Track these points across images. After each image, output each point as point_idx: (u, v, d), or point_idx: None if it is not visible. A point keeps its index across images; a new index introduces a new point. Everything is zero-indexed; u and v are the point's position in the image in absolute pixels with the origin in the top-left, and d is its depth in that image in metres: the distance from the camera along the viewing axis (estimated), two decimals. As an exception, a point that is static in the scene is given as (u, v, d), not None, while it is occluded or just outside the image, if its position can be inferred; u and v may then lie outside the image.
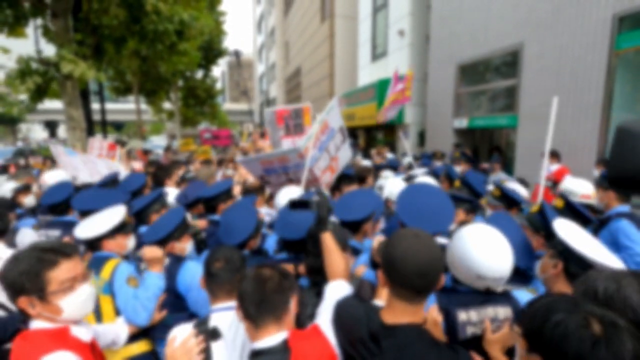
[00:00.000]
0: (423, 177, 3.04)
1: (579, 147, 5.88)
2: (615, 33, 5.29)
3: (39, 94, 6.09)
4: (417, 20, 10.52)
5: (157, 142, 33.97)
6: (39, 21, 6.89)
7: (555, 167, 5.70)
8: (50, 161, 11.64)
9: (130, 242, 2.14)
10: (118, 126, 51.22)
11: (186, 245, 2.22)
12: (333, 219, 2.54)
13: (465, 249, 1.46)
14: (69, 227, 2.87)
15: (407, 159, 6.64)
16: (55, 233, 2.96)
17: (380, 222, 2.48)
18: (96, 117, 8.39)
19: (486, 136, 9.31)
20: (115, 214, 2.09)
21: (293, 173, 2.94)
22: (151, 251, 1.89)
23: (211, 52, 16.36)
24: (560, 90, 6.16)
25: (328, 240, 1.57)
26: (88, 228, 2.02)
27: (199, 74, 18.03)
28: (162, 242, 2.06)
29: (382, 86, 10.87)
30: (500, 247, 1.46)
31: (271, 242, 2.37)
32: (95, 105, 9.50)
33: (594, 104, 5.60)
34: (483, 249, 1.44)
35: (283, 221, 1.94)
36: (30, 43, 8.57)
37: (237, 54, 10.81)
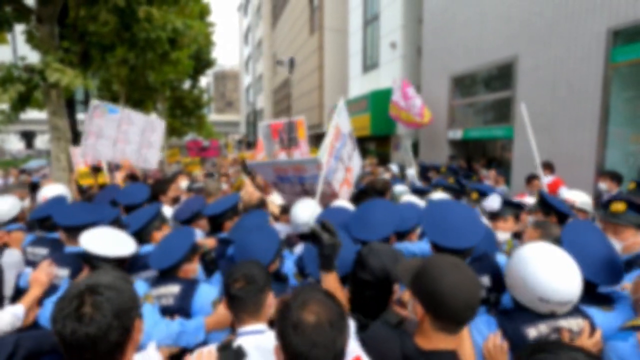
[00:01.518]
0: (438, 194, 2.89)
1: (577, 158, 5.92)
2: (610, 46, 5.39)
3: (22, 103, 5.73)
4: (409, 32, 10.64)
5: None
6: (21, 27, 6.57)
7: (549, 178, 5.63)
8: (23, 173, 11.06)
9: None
10: (100, 137, 49.91)
11: (197, 266, 2.04)
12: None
13: (527, 270, 1.35)
14: (57, 245, 2.61)
15: (411, 172, 6.55)
16: (42, 251, 2.68)
17: (417, 230, 2.33)
18: (81, 127, 8.03)
19: (479, 148, 9.37)
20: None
21: (310, 185, 2.75)
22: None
23: (199, 62, 16.14)
24: (556, 102, 6.24)
25: (332, 282, 1.46)
26: (115, 245, 1.90)
27: (187, 85, 17.73)
28: (174, 267, 1.86)
29: (375, 97, 10.88)
30: (566, 267, 1.35)
31: (290, 265, 2.15)
32: (79, 116, 9.13)
33: (590, 115, 5.66)
34: (546, 269, 1.33)
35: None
36: (9, 49, 8.18)
37: (291, 62, 10.42)
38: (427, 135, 9.86)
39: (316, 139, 17.27)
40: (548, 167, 5.64)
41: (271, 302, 1.44)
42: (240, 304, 1.36)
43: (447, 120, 9.04)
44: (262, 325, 1.37)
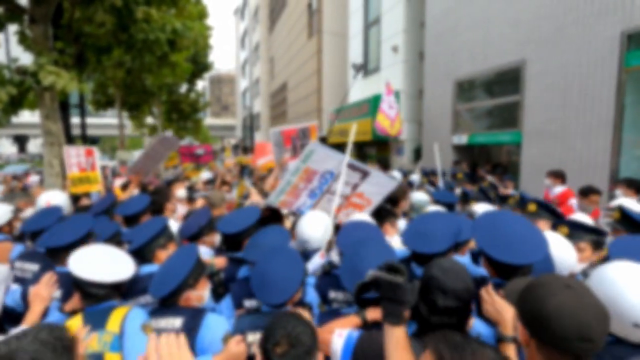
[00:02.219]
0: (482, 206, 2.65)
1: (591, 165, 5.76)
2: (624, 50, 5.26)
3: (13, 106, 5.46)
4: (411, 36, 10.51)
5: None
6: (14, 27, 6.31)
7: (560, 189, 5.37)
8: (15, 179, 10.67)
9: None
10: (93, 141, 49.39)
11: (204, 293, 1.77)
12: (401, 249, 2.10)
13: (616, 293, 1.18)
14: (50, 260, 2.37)
15: (415, 177, 6.36)
16: (32, 267, 2.43)
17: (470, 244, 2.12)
18: (74, 131, 7.75)
19: (484, 153, 9.22)
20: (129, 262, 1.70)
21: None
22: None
23: (197, 65, 15.90)
24: (568, 107, 6.09)
25: (402, 337, 1.16)
26: (109, 267, 1.65)
27: (183, 88, 17.47)
28: (173, 295, 1.63)
29: (376, 102, 10.71)
30: None
31: (313, 295, 1.88)
32: (74, 120, 8.84)
33: (605, 121, 5.52)
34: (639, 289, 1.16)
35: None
36: (1, 51, 7.90)
37: (359, 67, 10.16)
38: (430, 140, 9.69)
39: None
40: (558, 176, 5.30)
41: None
42: None
43: (451, 125, 8.89)
44: None
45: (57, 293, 1.92)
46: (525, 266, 1.52)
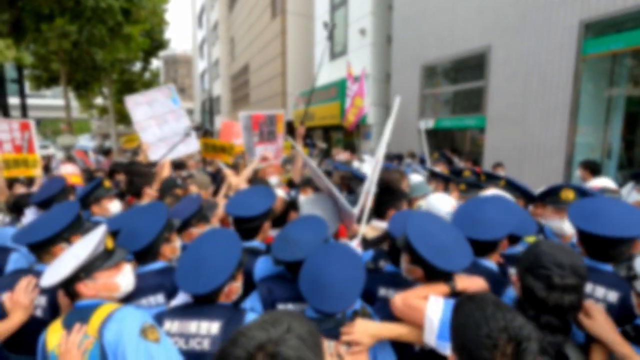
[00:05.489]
0: (492, 190, 2.58)
1: (548, 149, 6.10)
2: (581, 39, 5.54)
3: None
4: (379, 19, 10.44)
5: (83, 143, 30.08)
6: None
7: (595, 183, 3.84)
8: None
9: (123, 278, 1.42)
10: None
11: (240, 285, 1.53)
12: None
13: None
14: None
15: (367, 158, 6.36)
16: None
17: None
18: (14, 113, 6.92)
19: (449, 138, 9.49)
20: (87, 242, 1.36)
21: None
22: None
23: (152, 42, 14.74)
24: (528, 94, 6.37)
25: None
26: (53, 270, 1.30)
27: (137, 67, 16.20)
28: (218, 290, 1.38)
29: (345, 85, 10.62)
30: None
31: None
32: (11, 100, 7.88)
33: (562, 106, 5.83)
34: None
35: None
36: None
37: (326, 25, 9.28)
38: (397, 124, 9.78)
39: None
40: (588, 167, 4.78)
41: None
42: None
43: (418, 110, 9.02)
44: None
45: (43, 300, 1.59)
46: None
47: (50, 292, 1.57)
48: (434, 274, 1.38)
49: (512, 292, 1.54)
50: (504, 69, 6.80)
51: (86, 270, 1.29)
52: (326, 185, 2.21)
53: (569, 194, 2.37)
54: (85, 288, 1.30)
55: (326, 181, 2.17)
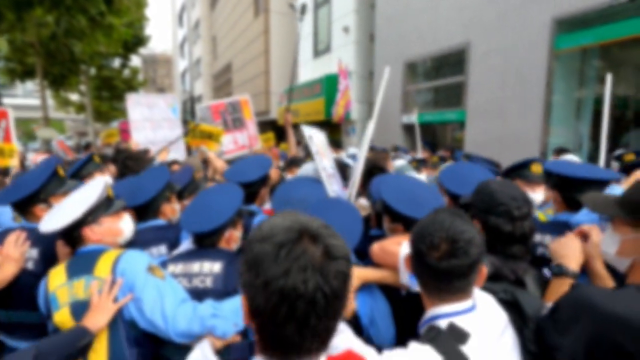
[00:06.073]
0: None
1: (524, 140, 6.38)
2: (554, 34, 5.84)
3: None
4: (362, 17, 10.62)
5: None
6: None
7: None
8: None
9: (125, 224, 1.47)
10: None
11: (240, 235, 1.61)
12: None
13: None
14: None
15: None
16: None
17: None
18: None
19: (430, 132, 9.73)
20: (92, 189, 1.40)
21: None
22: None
23: (132, 38, 14.43)
24: (506, 88, 6.64)
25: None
26: (55, 217, 1.33)
27: (116, 63, 15.82)
28: (217, 232, 1.44)
29: (329, 81, 10.73)
30: None
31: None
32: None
33: (536, 99, 6.12)
34: None
35: None
36: None
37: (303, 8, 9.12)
38: (381, 120, 9.97)
39: (262, 127, 16.67)
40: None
41: None
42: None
43: (401, 105, 9.23)
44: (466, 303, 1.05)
45: (34, 252, 1.59)
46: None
47: (43, 244, 1.58)
48: (411, 226, 1.47)
49: None
50: (483, 65, 7.06)
51: (93, 213, 1.32)
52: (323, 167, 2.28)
53: (538, 168, 2.57)
54: (91, 232, 1.34)
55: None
